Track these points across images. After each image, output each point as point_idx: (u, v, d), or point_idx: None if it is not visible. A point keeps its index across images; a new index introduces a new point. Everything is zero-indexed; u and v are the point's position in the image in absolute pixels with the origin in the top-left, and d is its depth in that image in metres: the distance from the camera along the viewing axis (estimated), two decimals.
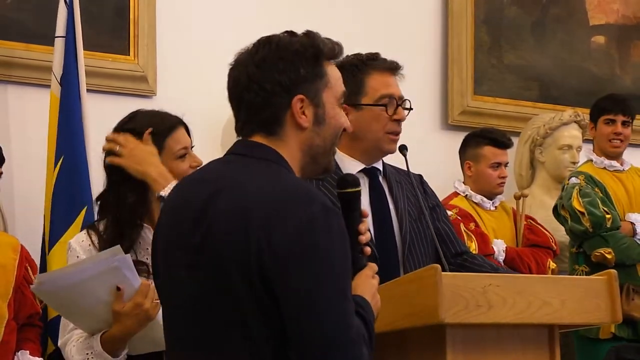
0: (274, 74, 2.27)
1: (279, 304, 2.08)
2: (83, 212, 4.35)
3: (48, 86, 4.53)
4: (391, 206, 3.27)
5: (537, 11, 5.99)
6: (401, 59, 5.34)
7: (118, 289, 2.79)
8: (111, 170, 3.05)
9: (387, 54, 5.43)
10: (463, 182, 5.20)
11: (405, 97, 3.33)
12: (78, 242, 3.03)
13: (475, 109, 5.75)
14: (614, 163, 5.34)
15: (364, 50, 5.40)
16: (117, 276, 2.77)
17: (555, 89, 5.99)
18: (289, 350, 2.09)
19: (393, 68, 3.33)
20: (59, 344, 3.03)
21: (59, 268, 2.97)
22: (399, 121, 3.26)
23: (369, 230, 2.88)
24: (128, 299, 2.79)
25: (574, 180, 5.24)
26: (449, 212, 4.89)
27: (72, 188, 4.40)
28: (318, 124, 2.30)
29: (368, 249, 2.40)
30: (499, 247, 5.05)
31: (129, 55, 4.97)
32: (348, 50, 5.07)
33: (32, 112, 4.74)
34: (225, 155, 2.35)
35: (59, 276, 2.86)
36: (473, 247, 4.88)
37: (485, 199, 5.14)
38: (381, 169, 3.35)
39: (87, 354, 2.86)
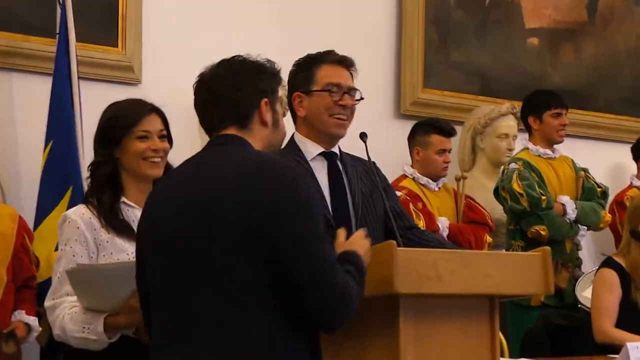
0: (252, 80, 2.51)
1: (275, 256, 2.21)
2: (69, 191, 4.32)
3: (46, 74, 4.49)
4: (347, 186, 3.28)
5: (479, 14, 5.97)
6: (359, 55, 5.30)
7: None
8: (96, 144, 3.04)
9: (345, 50, 5.41)
10: (411, 166, 5.17)
11: (359, 89, 3.33)
12: (78, 214, 2.95)
13: (425, 101, 5.73)
14: (548, 151, 5.38)
15: (324, 46, 5.42)
16: None
17: (494, 84, 5.98)
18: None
19: (344, 61, 3.33)
20: (45, 304, 2.95)
21: (99, 263, 2.89)
22: (344, 107, 3.25)
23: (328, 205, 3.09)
24: None
25: (513, 165, 5.27)
26: (399, 193, 4.89)
27: (61, 169, 4.35)
28: (276, 126, 2.51)
29: None
30: (443, 224, 5.04)
31: (117, 47, 4.91)
32: (311, 45, 5.08)
33: (33, 98, 4.68)
34: (203, 149, 2.50)
35: (96, 269, 2.82)
36: (421, 224, 4.86)
37: (430, 180, 5.12)
38: (338, 153, 3.36)
39: (85, 327, 2.80)
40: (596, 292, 4.37)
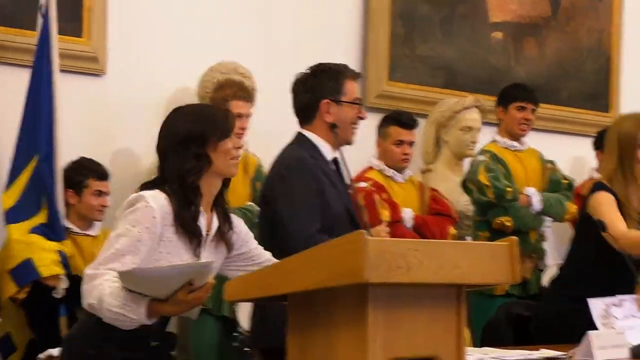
0: None
1: None
2: (44, 205, 4.33)
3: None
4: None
5: (445, 8, 5.99)
6: (325, 48, 5.38)
7: (190, 283, 2.75)
8: (163, 143, 3.01)
9: (311, 43, 5.47)
10: (377, 158, 5.19)
11: None
12: (158, 204, 2.89)
13: (390, 93, 5.75)
14: (515, 144, 5.45)
15: (290, 39, 5.43)
16: (195, 274, 2.76)
17: (459, 77, 6.02)
18: None
19: (359, 77, 3.78)
20: (86, 271, 2.87)
21: (161, 267, 2.86)
22: (362, 118, 3.71)
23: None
24: (192, 290, 2.78)
25: (480, 157, 5.34)
26: (365, 184, 4.92)
27: (42, 184, 4.35)
28: None
29: None
30: (408, 214, 5.07)
31: (81, 37, 4.87)
32: (278, 39, 5.08)
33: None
34: None
35: (151, 272, 2.79)
36: (386, 214, 4.90)
37: (396, 172, 5.14)
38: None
39: (126, 305, 2.76)
40: (600, 210, 4.07)
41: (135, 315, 2.78)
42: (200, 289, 2.78)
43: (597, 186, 4.15)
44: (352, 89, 3.66)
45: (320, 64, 3.71)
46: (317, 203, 3.49)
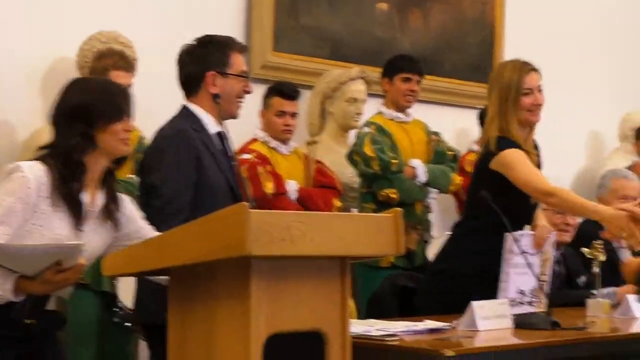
0: None
1: None
2: None
3: None
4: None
5: None
6: (208, 16, 5.31)
7: (59, 263, 2.72)
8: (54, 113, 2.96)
9: (194, 12, 5.38)
10: (261, 129, 5.17)
11: None
12: (34, 175, 2.84)
13: (274, 64, 5.70)
14: (401, 115, 5.49)
15: (173, 9, 5.33)
16: (65, 255, 2.72)
17: (344, 48, 6.01)
18: None
19: (246, 50, 3.78)
20: None
21: (28, 244, 2.79)
22: (247, 92, 3.68)
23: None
24: (61, 270, 2.76)
25: (366, 129, 5.37)
26: (248, 156, 4.89)
27: None
28: None
29: None
30: (292, 187, 5.06)
31: None
32: (160, 8, 4.94)
33: None
34: None
35: (19, 249, 2.74)
36: (270, 186, 4.88)
37: (281, 144, 5.13)
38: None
39: None
40: (517, 169, 3.93)
41: (0, 291, 2.75)
42: (69, 270, 2.76)
43: (502, 142, 4.01)
44: (238, 61, 3.63)
45: (206, 36, 3.67)
46: (191, 177, 3.45)
